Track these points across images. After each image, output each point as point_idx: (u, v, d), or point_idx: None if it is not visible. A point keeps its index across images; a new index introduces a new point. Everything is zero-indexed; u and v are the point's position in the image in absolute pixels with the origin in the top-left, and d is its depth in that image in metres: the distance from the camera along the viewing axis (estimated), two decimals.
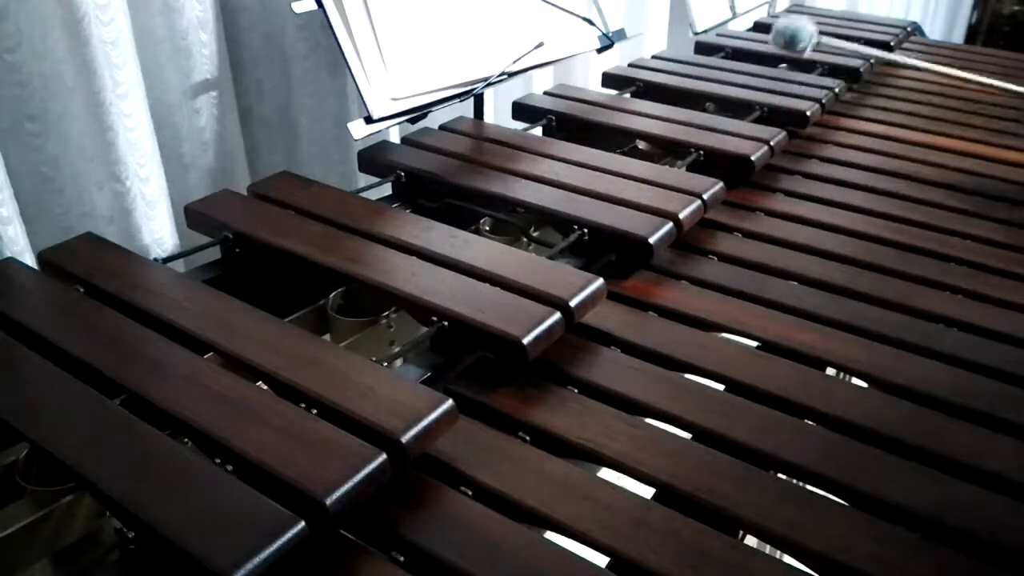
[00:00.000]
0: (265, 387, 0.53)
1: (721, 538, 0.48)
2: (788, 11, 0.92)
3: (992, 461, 0.54)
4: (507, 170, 0.87)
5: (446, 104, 0.91)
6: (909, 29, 1.62)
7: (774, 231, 0.84)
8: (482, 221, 0.82)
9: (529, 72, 1.04)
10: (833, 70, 1.29)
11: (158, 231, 0.82)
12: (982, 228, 0.86)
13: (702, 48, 1.42)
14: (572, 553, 0.46)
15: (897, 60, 0.98)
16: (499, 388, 0.59)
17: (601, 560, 0.46)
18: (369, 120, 0.83)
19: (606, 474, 0.53)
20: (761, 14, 1.69)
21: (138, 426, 0.48)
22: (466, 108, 1.02)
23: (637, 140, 1.01)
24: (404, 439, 0.48)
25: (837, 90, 1.17)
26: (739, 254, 0.79)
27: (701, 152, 0.95)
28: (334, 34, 0.81)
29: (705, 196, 0.82)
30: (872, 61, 1.22)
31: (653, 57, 1.33)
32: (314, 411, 0.50)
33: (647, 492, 0.52)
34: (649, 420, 0.58)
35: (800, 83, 1.19)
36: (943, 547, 0.48)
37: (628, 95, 1.18)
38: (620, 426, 0.56)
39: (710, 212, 0.83)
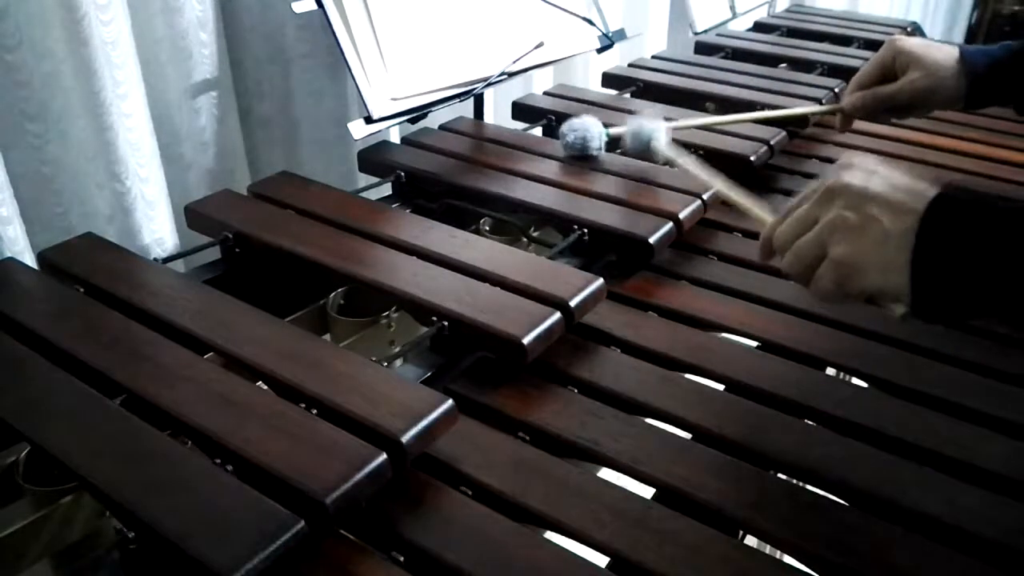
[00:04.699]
0: (265, 387, 0.54)
1: (721, 538, 0.48)
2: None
3: (992, 461, 0.54)
4: (507, 170, 0.87)
5: (446, 104, 0.91)
6: (909, 29, 1.61)
7: None
8: (482, 221, 0.82)
9: (529, 72, 1.04)
10: (833, 70, 1.29)
11: (158, 231, 0.82)
12: None
13: (702, 48, 1.42)
14: (572, 553, 0.46)
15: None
16: (499, 388, 0.59)
17: (601, 560, 0.46)
18: (369, 120, 0.83)
19: (606, 474, 0.53)
20: (761, 14, 1.70)
21: (138, 426, 0.48)
22: (466, 108, 1.02)
23: None
24: (404, 439, 0.48)
25: (837, 90, 1.17)
26: (739, 254, 0.79)
27: (701, 152, 0.95)
28: (334, 34, 0.81)
29: (705, 196, 0.82)
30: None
31: (653, 57, 1.33)
32: (314, 411, 0.50)
33: (647, 492, 0.52)
34: (649, 420, 0.58)
35: (800, 83, 1.19)
36: (943, 547, 0.48)
37: (628, 95, 1.18)
38: (620, 426, 0.56)
39: (710, 212, 0.83)
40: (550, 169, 0.87)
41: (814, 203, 0.51)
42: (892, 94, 0.82)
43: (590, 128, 0.89)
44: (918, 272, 0.46)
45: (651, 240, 0.74)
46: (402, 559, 0.46)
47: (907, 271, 0.46)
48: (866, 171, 0.50)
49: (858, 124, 1.14)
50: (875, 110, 0.85)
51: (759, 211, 0.62)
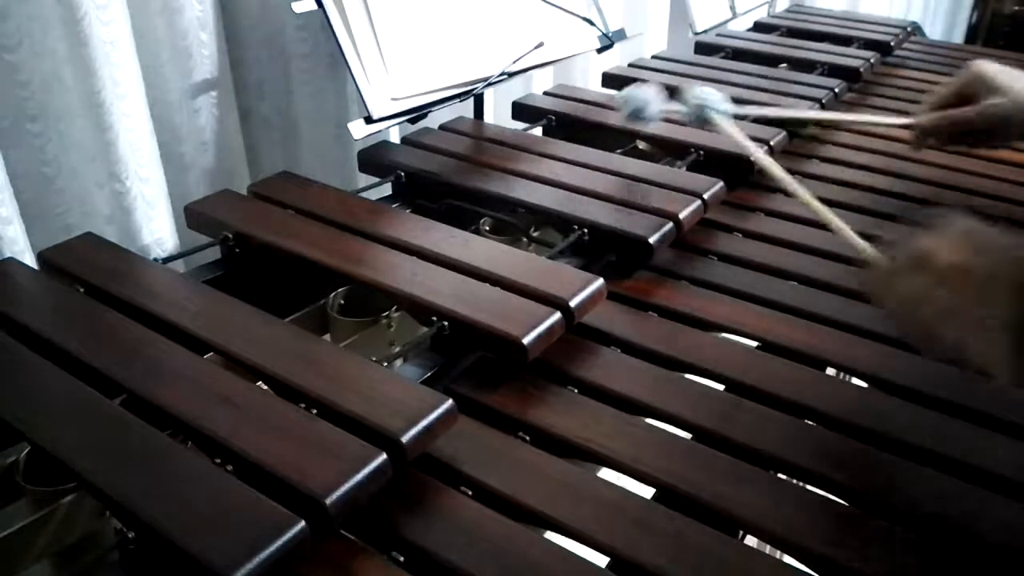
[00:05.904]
0: (265, 387, 0.54)
1: (721, 538, 0.48)
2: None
3: (992, 461, 0.54)
4: (507, 170, 0.87)
5: (446, 104, 0.91)
6: (909, 29, 1.62)
7: (774, 231, 0.84)
8: (482, 221, 0.82)
9: (529, 72, 1.04)
10: (833, 70, 1.29)
11: (158, 231, 0.82)
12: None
13: (702, 48, 1.42)
14: (572, 553, 0.46)
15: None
16: (499, 388, 0.59)
17: (601, 560, 0.46)
18: (369, 120, 0.83)
19: (606, 474, 0.53)
20: (761, 14, 1.69)
21: (138, 426, 0.48)
22: (466, 108, 1.02)
23: (637, 140, 1.01)
24: (404, 439, 0.48)
25: (837, 90, 1.17)
26: (739, 254, 0.79)
27: (701, 152, 0.95)
28: (334, 34, 0.82)
29: (705, 196, 0.82)
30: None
31: (653, 57, 1.33)
32: (314, 411, 0.50)
33: (647, 492, 0.52)
34: (649, 420, 0.58)
35: (800, 83, 1.19)
36: (943, 547, 0.48)
37: None
38: (620, 426, 0.56)
39: (710, 212, 0.83)
40: (550, 169, 0.87)
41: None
42: (970, 118, 0.80)
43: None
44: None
45: (651, 240, 0.74)
46: (402, 559, 0.46)
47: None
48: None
49: (854, 124, 1.14)
50: (950, 133, 0.83)
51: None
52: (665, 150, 0.99)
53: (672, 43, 1.59)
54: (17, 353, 0.55)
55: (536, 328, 0.59)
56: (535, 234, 0.81)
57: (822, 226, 0.84)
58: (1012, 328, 0.44)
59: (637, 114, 0.87)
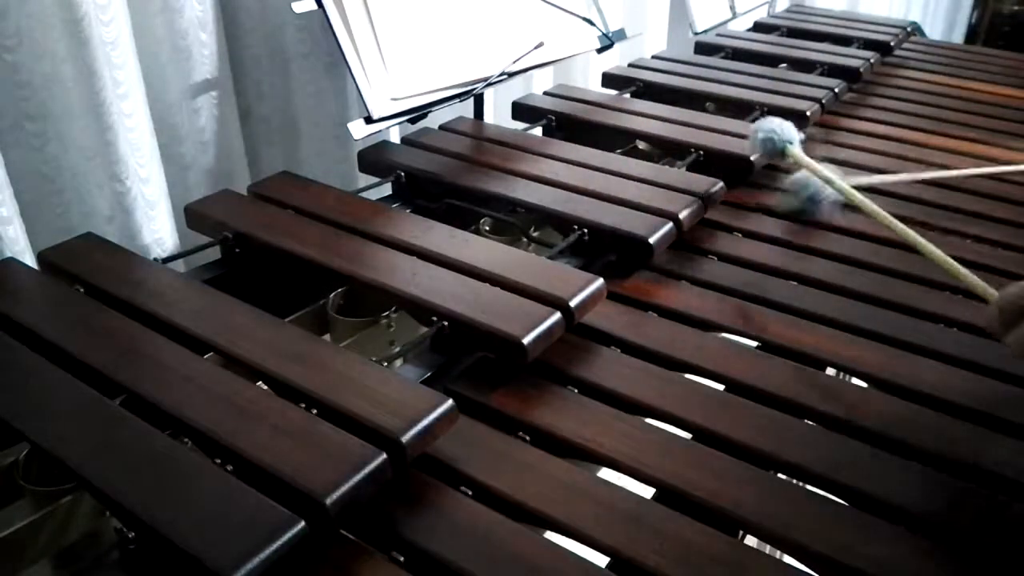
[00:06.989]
0: (265, 387, 0.54)
1: (721, 538, 0.48)
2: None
3: (992, 461, 0.54)
4: (507, 170, 0.87)
5: (446, 104, 0.91)
6: (909, 29, 1.62)
7: (774, 231, 0.84)
8: (482, 221, 0.82)
9: (529, 72, 1.04)
10: (833, 70, 1.29)
11: (158, 231, 0.82)
12: (982, 228, 0.86)
13: (702, 48, 1.42)
14: (572, 553, 0.46)
15: None
16: (499, 388, 0.59)
17: (601, 560, 0.46)
18: (369, 120, 0.83)
19: (606, 474, 0.53)
20: (761, 14, 1.70)
21: (138, 426, 0.48)
22: (466, 108, 1.02)
23: (637, 140, 1.01)
24: (404, 439, 0.48)
25: (837, 90, 1.17)
26: (739, 254, 0.79)
27: (701, 152, 0.95)
28: (334, 34, 0.82)
29: (705, 196, 0.82)
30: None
31: (653, 57, 1.33)
32: (314, 411, 0.50)
33: (647, 492, 0.52)
34: (649, 420, 0.58)
35: (800, 83, 1.19)
36: (943, 547, 0.48)
37: (628, 95, 1.18)
38: (620, 426, 0.56)
39: (710, 212, 0.83)
40: (550, 169, 0.87)
41: None
42: None
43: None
44: None
45: (651, 240, 0.74)
46: (402, 559, 0.46)
47: None
48: None
49: (856, 123, 1.14)
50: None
51: (973, 280, 0.58)
52: (665, 150, 0.99)
53: (672, 43, 1.59)
54: (17, 353, 0.55)
55: (536, 328, 0.59)
56: (535, 234, 0.81)
57: (822, 226, 0.85)
58: None
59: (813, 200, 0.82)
